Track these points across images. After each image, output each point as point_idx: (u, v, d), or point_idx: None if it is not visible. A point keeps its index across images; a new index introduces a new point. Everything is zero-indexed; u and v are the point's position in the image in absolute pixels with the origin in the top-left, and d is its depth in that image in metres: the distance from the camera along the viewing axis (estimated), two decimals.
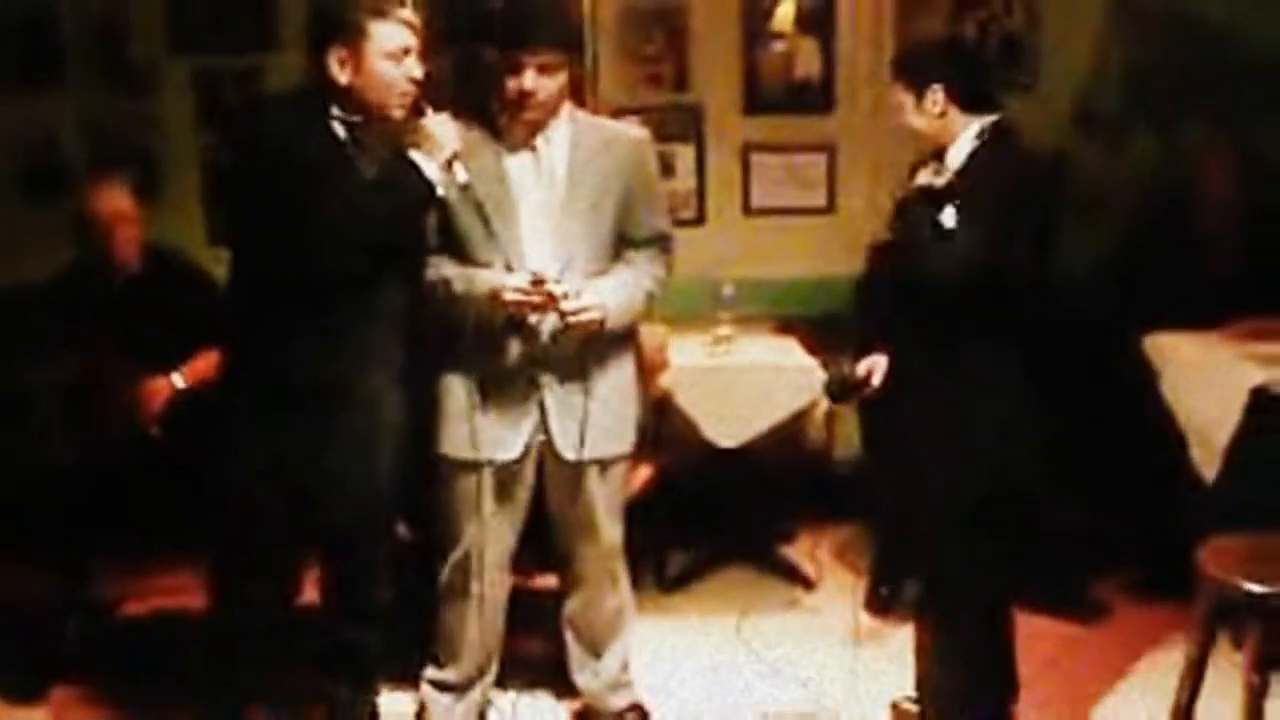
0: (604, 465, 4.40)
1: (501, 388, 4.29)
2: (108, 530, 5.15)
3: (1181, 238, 5.80)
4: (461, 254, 4.27)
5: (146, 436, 5.12)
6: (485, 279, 4.19)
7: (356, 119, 4.05)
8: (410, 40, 4.03)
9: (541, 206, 4.25)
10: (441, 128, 4.09)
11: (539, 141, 4.24)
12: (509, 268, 4.18)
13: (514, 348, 4.25)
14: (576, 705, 4.81)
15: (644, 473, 5.37)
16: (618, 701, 4.67)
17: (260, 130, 4.13)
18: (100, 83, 6.58)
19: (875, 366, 4.55)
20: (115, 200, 5.27)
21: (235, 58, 6.46)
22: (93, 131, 6.56)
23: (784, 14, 6.55)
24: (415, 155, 4.06)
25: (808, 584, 5.82)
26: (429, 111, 4.10)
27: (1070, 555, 5.56)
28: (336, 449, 4.14)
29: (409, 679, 4.73)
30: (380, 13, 3.99)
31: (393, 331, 4.23)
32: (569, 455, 4.32)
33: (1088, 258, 5.86)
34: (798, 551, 6.11)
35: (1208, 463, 5.02)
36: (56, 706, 4.91)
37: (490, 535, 4.40)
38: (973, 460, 4.15)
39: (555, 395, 4.29)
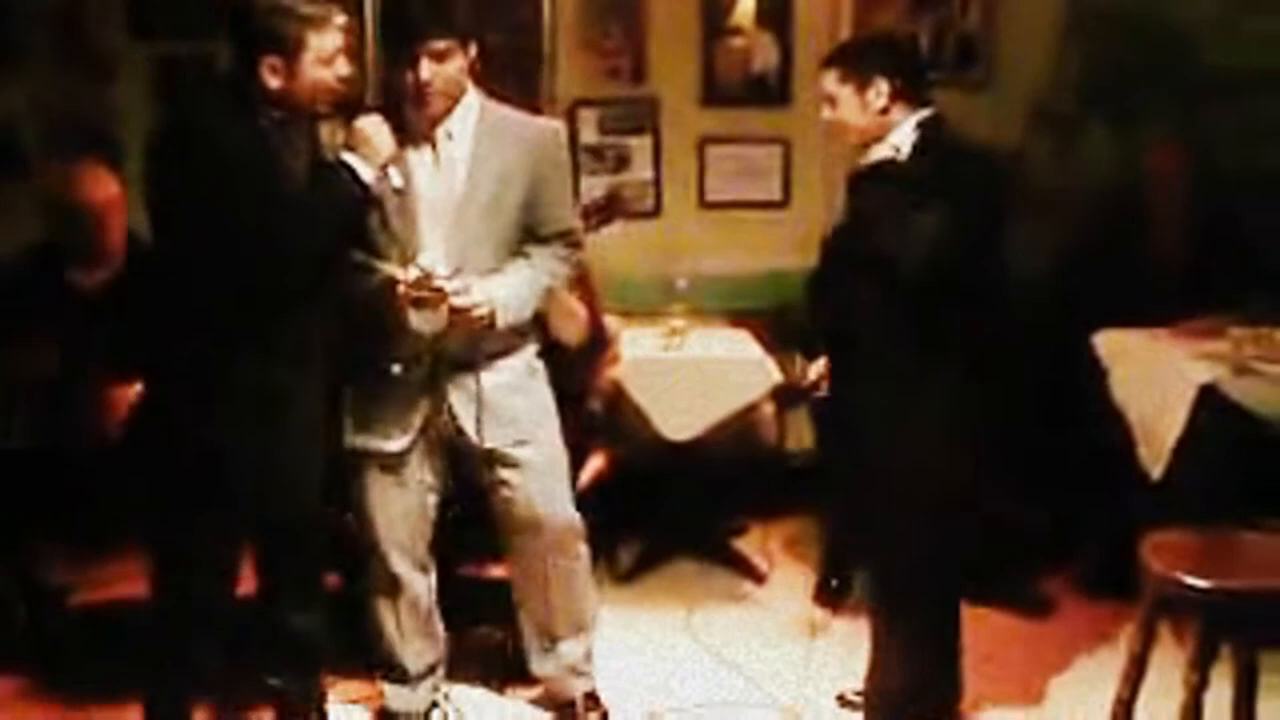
0: (519, 447, 4.37)
1: (400, 379, 4.28)
2: (58, 518, 5.12)
3: (1132, 236, 5.86)
4: (364, 248, 4.23)
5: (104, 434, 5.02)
6: (380, 274, 4.17)
7: (282, 115, 3.99)
8: (341, 42, 3.98)
9: (439, 201, 4.21)
10: (377, 130, 4.04)
11: (439, 134, 4.20)
12: (405, 263, 4.13)
13: (412, 340, 4.21)
14: (532, 694, 4.82)
15: (595, 464, 5.39)
16: (573, 689, 4.65)
17: (191, 117, 4.06)
18: (59, 68, 6.54)
19: (822, 369, 4.57)
20: (104, 185, 5.03)
21: (196, 43, 6.44)
22: (50, 117, 6.50)
23: (744, 8, 6.57)
24: (349, 158, 4.01)
25: (758, 577, 5.84)
26: (362, 114, 4.07)
27: (1018, 549, 5.60)
28: (269, 445, 4.08)
29: (361, 669, 4.75)
30: (319, 22, 3.92)
31: (319, 330, 4.17)
32: (476, 440, 4.29)
33: (1040, 254, 5.91)
34: (749, 544, 6.12)
35: (1155, 459, 5.06)
36: (3, 695, 4.89)
37: (394, 526, 4.43)
38: (920, 453, 4.17)
39: (455, 384, 4.28)
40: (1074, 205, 6.30)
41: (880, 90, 4.14)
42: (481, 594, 5.03)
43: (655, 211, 6.57)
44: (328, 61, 3.95)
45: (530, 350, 4.46)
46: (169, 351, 4.12)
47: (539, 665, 4.66)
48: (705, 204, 6.64)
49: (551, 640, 4.60)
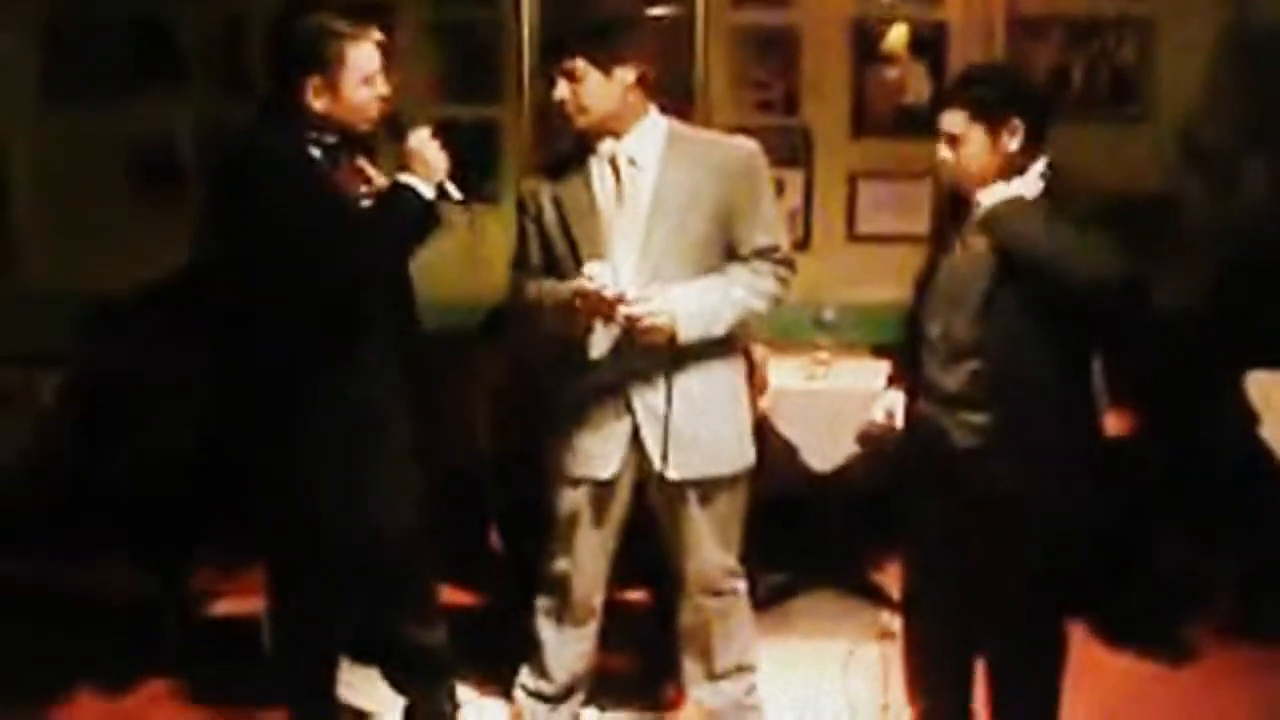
0: (706, 485, 4.31)
1: (596, 404, 4.26)
2: (206, 529, 5.23)
3: None
4: (551, 269, 4.28)
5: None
6: (562, 288, 4.17)
7: (329, 139, 4.04)
8: (380, 59, 4.05)
9: (624, 218, 4.20)
10: (428, 148, 4.08)
11: (620, 158, 4.20)
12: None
13: (605, 362, 4.23)
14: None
15: None
16: None
17: (242, 148, 4.10)
18: (220, 87, 6.67)
19: (892, 407, 4.40)
20: None
21: None
22: (210, 136, 6.62)
23: (896, 36, 6.57)
24: (407, 178, 4.05)
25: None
26: (412, 132, 4.10)
27: (1164, 594, 5.51)
28: (355, 464, 4.12)
29: (500, 687, 4.80)
30: (356, 38, 4.00)
31: (400, 348, 4.20)
32: (665, 474, 4.24)
33: (1195, 293, 5.82)
34: (890, 577, 6.08)
35: None
36: (148, 700, 5.02)
37: (587, 553, 4.42)
38: (1068, 487, 4.08)
39: (645, 410, 4.24)
40: (1229, 242, 6.19)
41: (1015, 130, 3.93)
42: (621, 618, 5.04)
43: (804, 242, 6.58)
44: (368, 79, 4.01)
45: (732, 374, 4.40)
46: (250, 372, 4.17)
47: (702, 696, 4.63)
48: (854, 236, 6.65)
49: (713, 675, 4.59)
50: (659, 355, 4.17)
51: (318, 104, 3.98)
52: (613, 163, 4.21)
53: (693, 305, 4.14)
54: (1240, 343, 5.55)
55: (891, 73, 6.59)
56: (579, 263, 4.15)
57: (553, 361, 4.37)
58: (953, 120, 3.97)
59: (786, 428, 5.58)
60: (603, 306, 4.06)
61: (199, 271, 5.34)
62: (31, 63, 6.76)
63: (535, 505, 4.54)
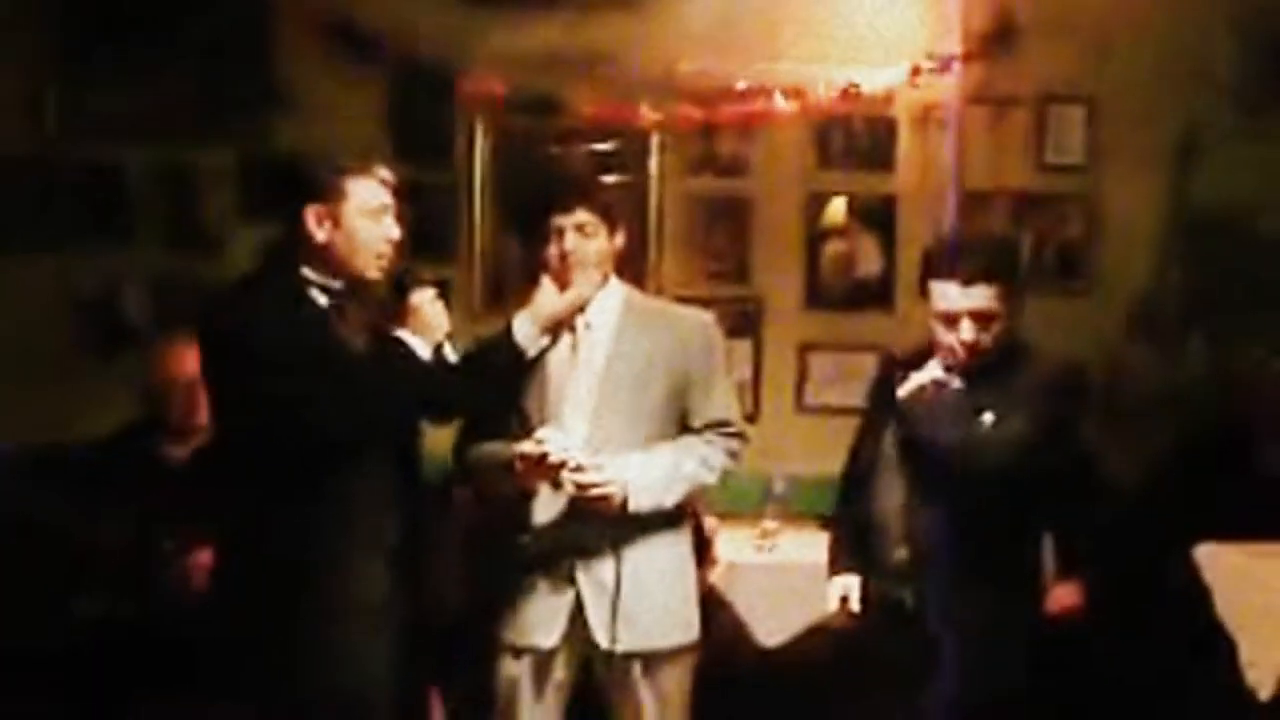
0: (648, 659, 4.24)
1: (540, 571, 4.19)
2: (140, 684, 5.10)
3: (1235, 450, 5.78)
4: (497, 432, 4.21)
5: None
6: (506, 452, 4.11)
7: (335, 285, 3.99)
8: (387, 199, 4.01)
9: (577, 383, 4.18)
10: (431, 307, 4.06)
11: (578, 323, 4.20)
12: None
13: (548, 529, 4.17)
14: None
15: None
16: None
17: (237, 317, 4.00)
18: (167, 243, 6.64)
19: (848, 591, 4.39)
20: (190, 362, 4.93)
21: None
22: (156, 292, 6.60)
23: (835, 209, 6.60)
24: (405, 335, 4.02)
25: None
26: (416, 289, 4.08)
27: None
28: (327, 621, 4.02)
29: None
30: (359, 171, 3.97)
31: (390, 512, 4.10)
32: (605, 644, 4.17)
33: (1139, 464, 5.84)
34: None
35: (1261, 682, 4.94)
36: None
37: None
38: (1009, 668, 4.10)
39: (590, 581, 4.17)
40: (1174, 416, 6.22)
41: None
42: None
43: (753, 414, 6.55)
44: (373, 215, 3.96)
45: (679, 546, 4.33)
46: (232, 523, 4.11)
47: None
48: (803, 408, 6.64)
49: None
50: (605, 526, 4.12)
51: (319, 234, 3.91)
52: (570, 325, 4.20)
53: (645, 477, 4.11)
54: (1188, 515, 5.56)
55: (840, 245, 6.62)
56: (525, 424, 4.12)
57: (495, 524, 4.31)
58: (986, 295, 3.95)
59: (736, 600, 5.52)
60: (550, 472, 4.02)
61: (136, 432, 5.29)
62: None
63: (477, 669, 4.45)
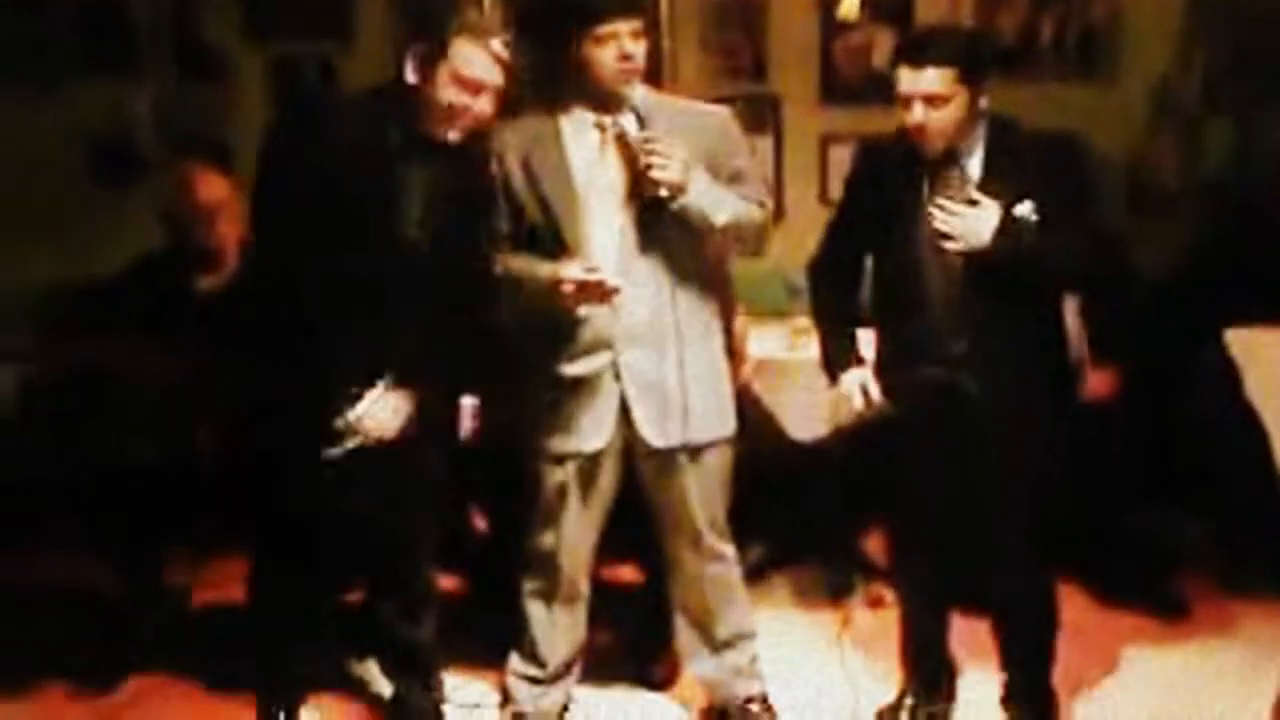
0: (694, 451, 4.27)
1: (581, 376, 4.20)
2: (182, 521, 5.12)
3: (1262, 232, 5.74)
4: (529, 244, 4.19)
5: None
6: (545, 270, 4.09)
7: (415, 128, 3.95)
8: (487, 74, 3.88)
9: (607, 189, 4.15)
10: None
11: (607, 120, 4.14)
12: (572, 253, 4.08)
13: (588, 334, 4.16)
14: (654, 696, 4.82)
15: None
16: (740, 690, 4.56)
17: (313, 121, 4.06)
18: (173, 69, 6.57)
19: (865, 383, 4.36)
20: (215, 188, 5.02)
21: (311, 44, 6.45)
22: (165, 119, 6.54)
23: (848, 4, 6.49)
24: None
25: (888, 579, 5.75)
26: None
27: (1153, 551, 5.51)
28: (376, 463, 4.07)
29: (486, 669, 4.78)
30: (468, 32, 3.86)
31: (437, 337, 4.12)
32: (655, 442, 4.22)
33: (1166, 252, 5.80)
34: (874, 545, 6.03)
35: None
36: (132, 695, 4.92)
37: (575, 531, 4.35)
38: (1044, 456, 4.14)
39: (635, 380, 4.19)
40: (1199, 202, 6.18)
41: (988, 89, 3.95)
42: (611, 596, 4.98)
43: (777, 210, 6.47)
44: (464, 83, 3.86)
45: (716, 341, 4.36)
46: (272, 364, 4.11)
47: (700, 668, 4.58)
48: (826, 202, 6.56)
49: (714, 644, 4.52)
50: (650, 324, 4.15)
51: (413, 77, 3.87)
52: (600, 130, 4.14)
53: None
54: (1218, 299, 5.54)
55: (856, 38, 6.52)
56: (556, 234, 4.11)
57: (534, 336, 4.28)
58: (935, 79, 3.93)
59: (769, 397, 5.51)
60: (596, 293, 4.01)
61: (158, 263, 5.19)
62: None
63: (521, 484, 4.46)
